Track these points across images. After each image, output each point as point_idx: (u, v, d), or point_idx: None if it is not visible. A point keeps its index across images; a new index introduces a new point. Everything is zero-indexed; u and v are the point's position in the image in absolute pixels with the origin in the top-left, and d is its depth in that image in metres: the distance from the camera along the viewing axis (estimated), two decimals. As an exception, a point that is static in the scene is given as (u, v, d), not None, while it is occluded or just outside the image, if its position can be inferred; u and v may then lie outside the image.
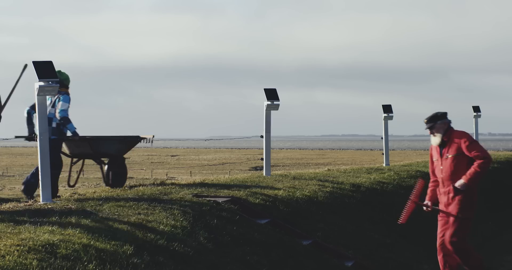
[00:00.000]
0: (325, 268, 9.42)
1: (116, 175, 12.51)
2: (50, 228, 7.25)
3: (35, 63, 9.42)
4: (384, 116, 18.79)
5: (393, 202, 14.17)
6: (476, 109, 24.06)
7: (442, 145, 9.82)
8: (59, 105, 11.70)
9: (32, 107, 11.76)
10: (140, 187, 11.59)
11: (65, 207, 8.66)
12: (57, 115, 11.63)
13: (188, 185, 11.65)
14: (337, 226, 11.32)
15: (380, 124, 18.86)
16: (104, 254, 6.70)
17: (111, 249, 6.86)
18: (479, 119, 24.15)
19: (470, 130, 25.31)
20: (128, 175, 13.48)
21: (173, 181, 13.86)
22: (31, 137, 11.85)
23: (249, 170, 33.65)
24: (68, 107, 11.70)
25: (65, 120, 11.67)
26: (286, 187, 12.23)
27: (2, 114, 9.52)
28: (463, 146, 9.65)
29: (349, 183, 14.06)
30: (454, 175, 9.68)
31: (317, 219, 11.17)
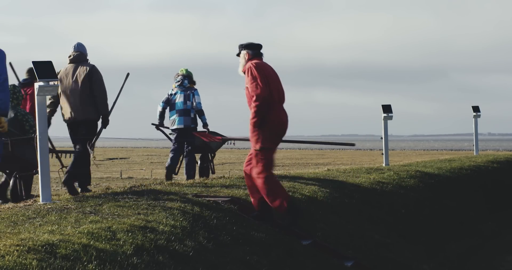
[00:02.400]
0: (325, 268, 9.41)
1: (212, 167, 15.33)
2: (49, 228, 7.25)
3: (34, 63, 9.42)
4: (384, 116, 18.77)
5: (393, 202, 14.18)
6: (476, 109, 24.05)
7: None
8: (196, 98, 14.38)
9: (165, 102, 14.62)
10: (140, 187, 11.59)
11: (64, 207, 8.66)
12: (196, 107, 14.32)
13: (188, 185, 11.64)
14: (337, 226, 11.32)
15: (380, 124, 18.85)
16: (104, 254, 6.70)
17: (111, 249, 6.86)
18: (478, 119, 24.15)
19: (470, 130, 25.30)
20: (128, 175, 13.57)
21: (172, 181, 13.85)
22: (159, 125, 14.84)
23: (249, 170, 33.60)
24: None
25: (201, 111, 14.44)
26: (286, 187, 12.22)
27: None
28: (246, 80, 9.66)
29: (348, 183, 14.06)
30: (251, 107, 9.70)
31: (317, 219, 11.16)
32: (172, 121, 14.59)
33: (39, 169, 9.39)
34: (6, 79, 8.30)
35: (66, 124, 11.45)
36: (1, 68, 8.24)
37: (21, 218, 7.92)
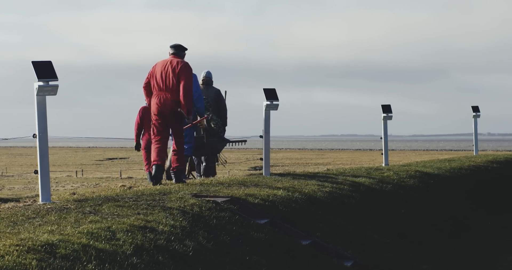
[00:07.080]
0: (325, 268, 9.42)
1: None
2: (49, 228, 7.25)
3: (34, 63, 9.41)
4: (383, 116, 18.77)
5: (393, 202, 14.18)
6: (475, 109, 24.05)
7: None
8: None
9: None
10: (139, 187, 11.59)
11: (64, 207, 8.66)
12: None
13: (187, 185, 11.64)
14: (336, 226, 11.32)
15: (379, 124, 18.86)
16: (103, 254, 6.70)
17: (110, 249, 6.86)
18: (478, 119, 24.16)
19: (470, 130, 25.31)
20: (127, 175, 13.64)
21: (172, 181, 13.83)
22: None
23: (249, 170, 33.69)
24: None
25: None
26: (286, 187, 12.22)
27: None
28: None
29: (348, 183, 14.06)
30: None
31: (316, 219, 11.17)
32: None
33: (39, 170, 9.38)
34: (201, 94, 13.82)
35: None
36: (196, 86, 13.32)
37: (20, 218, 7.92)
